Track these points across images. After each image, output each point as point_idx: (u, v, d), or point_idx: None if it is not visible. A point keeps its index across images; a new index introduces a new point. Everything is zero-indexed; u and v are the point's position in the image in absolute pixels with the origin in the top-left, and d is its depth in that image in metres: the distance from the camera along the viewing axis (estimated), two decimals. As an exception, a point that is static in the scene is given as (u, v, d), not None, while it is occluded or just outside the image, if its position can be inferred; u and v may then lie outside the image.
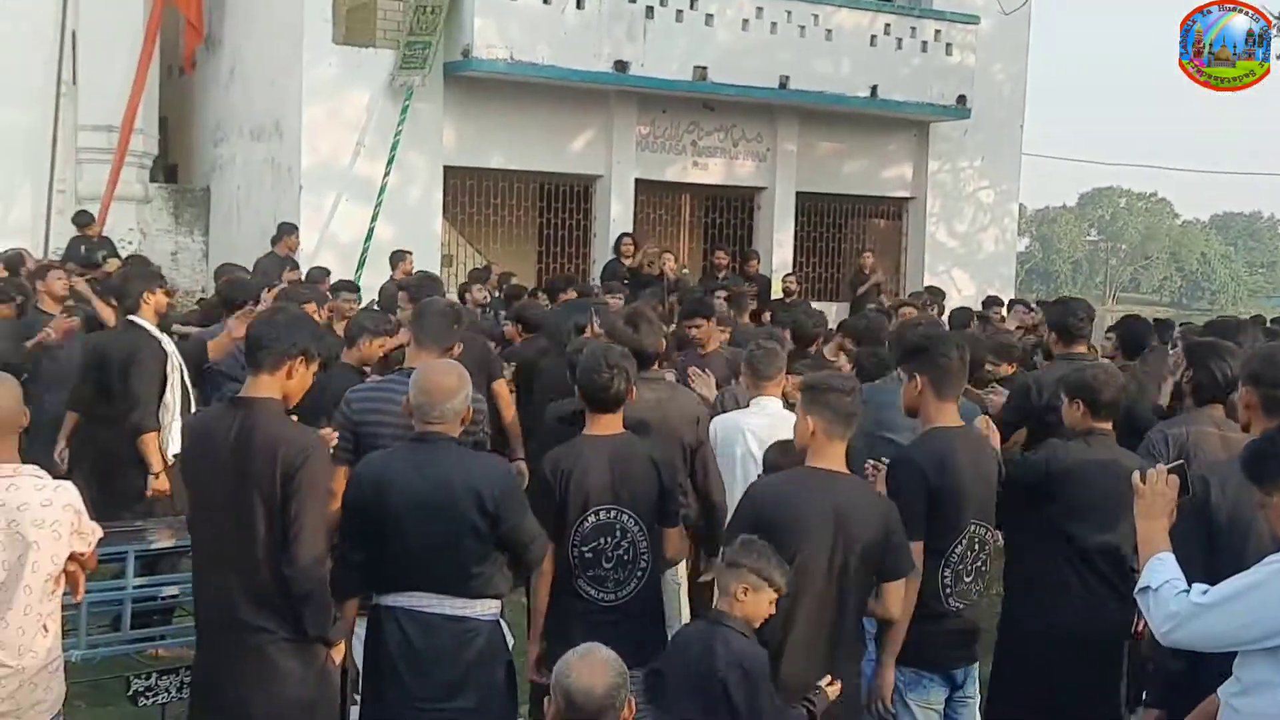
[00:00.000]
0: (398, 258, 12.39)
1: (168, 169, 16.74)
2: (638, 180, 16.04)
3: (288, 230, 12.97)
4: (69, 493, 3.90)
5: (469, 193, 15.49)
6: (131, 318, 7.02)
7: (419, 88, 14.08)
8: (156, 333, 7.08)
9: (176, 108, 16.61)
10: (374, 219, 13.87)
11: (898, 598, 4.30)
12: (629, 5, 14.71)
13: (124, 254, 12.77)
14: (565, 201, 16.07)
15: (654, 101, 15.80)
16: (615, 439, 4.64)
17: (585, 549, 4.54)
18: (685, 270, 15.55)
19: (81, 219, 13.39)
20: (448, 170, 14.89)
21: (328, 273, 11.50)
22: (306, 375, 4.15)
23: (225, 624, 4.05)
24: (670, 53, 14.98)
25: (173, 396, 7.08)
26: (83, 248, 12.45)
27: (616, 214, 15.73)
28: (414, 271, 11.70)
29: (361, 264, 13.52)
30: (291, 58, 14.19)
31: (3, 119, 13.94)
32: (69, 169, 14.59)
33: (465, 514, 4.09)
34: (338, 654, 4.12)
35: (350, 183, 14.10)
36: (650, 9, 14.85)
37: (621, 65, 14.67)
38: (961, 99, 17.05)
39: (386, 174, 13.96)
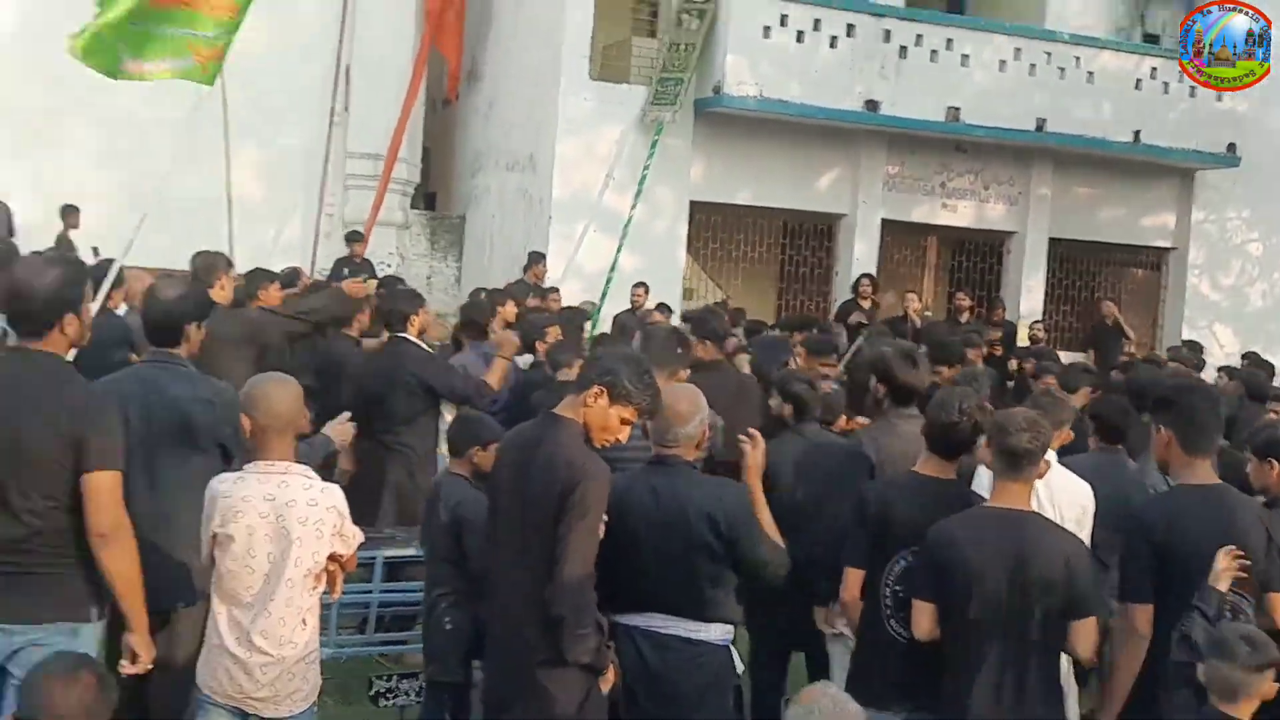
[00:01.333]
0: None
1: (427, 197, 17.49)
2: (883, 220, 15.86)
3: (536, 259, 13.39)
4: (334, 495, 4.12)
5: (713, 227, 15.62)
6: (401, 334, 7.45)
7: (669, 123, 14.30)
8: (424, 346, 7.55)
9: (438, 138, 17.35)
10: (619, 250, 14.12)
11: (1084, 636, 4.09)
12: (882, 45, 14.62)
13: (382, 276, 13.36)
14: (808, 239, 16.02)
15: (903, 141, 15.61)
16: (940, 482, 4.49)
17: (899, 588, 4.41)
18: (929, 313, 15.26)
19: (354, 236, 14.19)
20: (694, 205, 15.05)
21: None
22: (608, 412, 4.09)
23: (505, 638, 4.14)
24: (923, 93, 14.80)
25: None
26: (345, 270, 13.06)
27: (860, 254, 15.57)
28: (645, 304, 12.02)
29: (605, 294, 13.78)
30: (548, 93, 14.62)
31: (282, 144, 14.78)
32: (337, 194, 15.39)
33: (699, 536, 4.15)
34: (605, 684, 4.08)
35: (598, 214, 14.35)
36: (904, 49, 14.71)
37: (872, 104, 14.58)
38: (1231, 147, 16.28)
39: (634, 206, 14.20)
